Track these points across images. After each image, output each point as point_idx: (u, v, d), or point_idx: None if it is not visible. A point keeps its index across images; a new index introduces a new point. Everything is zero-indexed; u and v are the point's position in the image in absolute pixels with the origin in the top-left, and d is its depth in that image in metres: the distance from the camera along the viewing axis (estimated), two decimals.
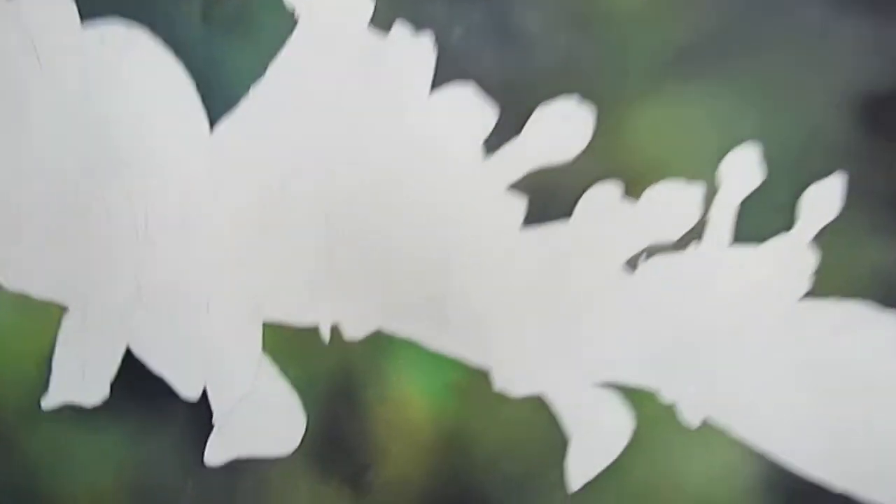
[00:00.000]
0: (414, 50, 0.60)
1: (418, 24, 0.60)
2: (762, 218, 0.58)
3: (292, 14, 0.61)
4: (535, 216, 0.59)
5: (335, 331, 0.59)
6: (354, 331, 0.59)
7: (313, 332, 0.59)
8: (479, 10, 0.60)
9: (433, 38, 0.60)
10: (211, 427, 0.59)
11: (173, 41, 0.61)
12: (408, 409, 0.59)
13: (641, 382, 0.59)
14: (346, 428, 0.59)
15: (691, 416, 0.58)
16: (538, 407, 0.58)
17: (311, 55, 0.61)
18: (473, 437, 0.59)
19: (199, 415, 0.59)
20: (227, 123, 0.61)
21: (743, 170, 0.59)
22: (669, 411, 0.58)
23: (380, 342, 0.59)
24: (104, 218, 0.60)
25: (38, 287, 0.60)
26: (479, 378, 0.59)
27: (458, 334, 0.59)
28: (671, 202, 0.59)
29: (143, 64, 0.61)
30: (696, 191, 0.59)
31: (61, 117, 0.60)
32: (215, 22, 0.62)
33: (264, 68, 0.61)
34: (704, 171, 0.59)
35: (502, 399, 0.58)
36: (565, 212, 0.59)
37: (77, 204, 0.60)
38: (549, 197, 0.59)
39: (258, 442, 0.59)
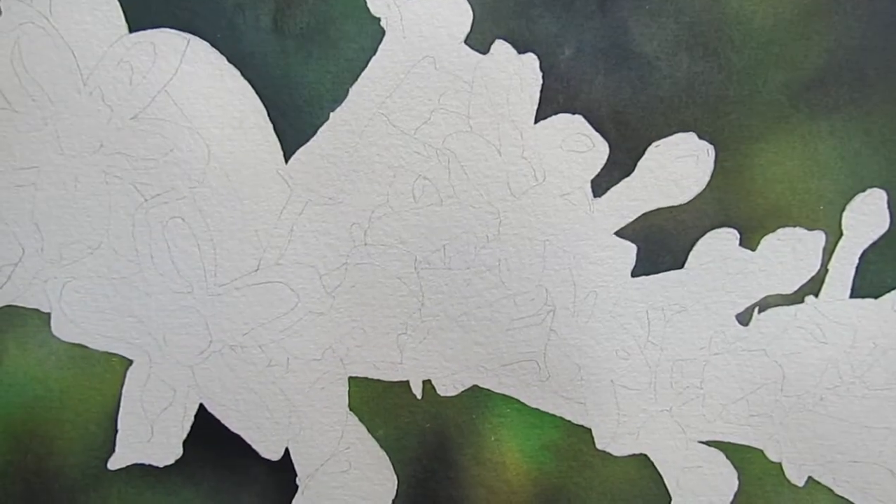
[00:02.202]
0: (517, 72, 0.54)
1: (522, 43, 0.54)
2: (886, 270, 0.55)
3: (379, 23, 0.53)
4: (644, 264, 0.55)
5: (428, 386, 0.55)
6: (448, 387, 0.55)
7: (404, 387, 0.55)
8: (590, 30, 0.54)
9: (538, 59, 0.53)
10: (294, 490, 0.56)
11: (239, 54, 0.54)
12: (505, 471, 0.56)
13: (747, 441, 0.56)
14: (439, 491, 0.56)
15: (797, 474, 0.57)
16: (641, 466, 0.56)
17: (399, 73, 0.54)
18: (574, 499, 0.56)
19: (281, 476, 0.56)
20: (303, 153, 0.54)
21: (868, 217, 0.55)
22: (775, 469, 0.57)
23: (476, 398, 0.56)
24: (167, 262, 0.53)
25: (97, 338, 0.54)
26: (579, 437, 0.56)
27: (558, 391, 0.55)
28: (790, 251, 0.56)
29: (202, 79, 0.53)
30: (817, 239, 0.55)
31: (108, 142, 0.53)
32: (288, 32, 0.54)
33: (345, 88, 0.54)
34: (827, 218, 0.55)
35: (604, 459, 0.56)
36: (678, 260, 0.55)
37: (135, 246, 0.53)
38: (660, 243, 0.55)
39: None
